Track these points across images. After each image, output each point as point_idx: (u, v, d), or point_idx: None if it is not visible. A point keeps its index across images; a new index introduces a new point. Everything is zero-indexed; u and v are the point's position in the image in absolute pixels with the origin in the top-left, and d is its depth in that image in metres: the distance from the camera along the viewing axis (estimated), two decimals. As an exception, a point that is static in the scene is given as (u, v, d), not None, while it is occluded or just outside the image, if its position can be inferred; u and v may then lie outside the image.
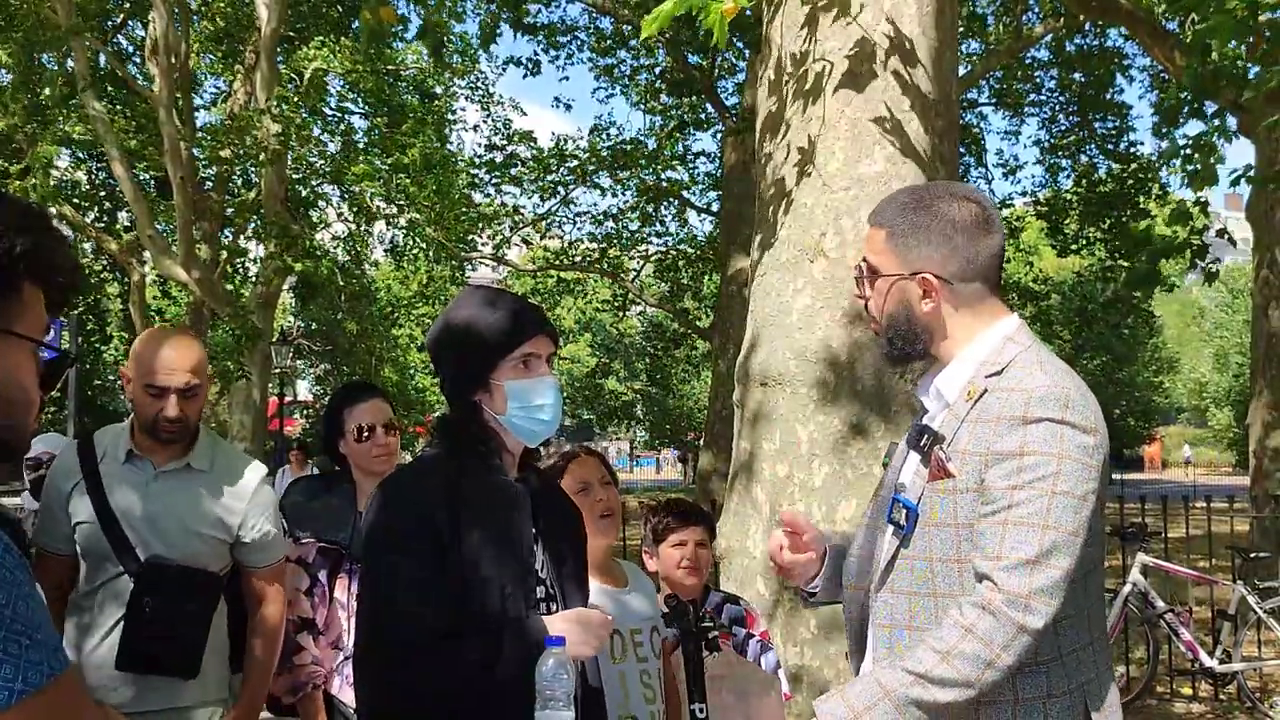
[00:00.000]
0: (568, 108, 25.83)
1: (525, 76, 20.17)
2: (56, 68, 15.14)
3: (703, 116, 19.32)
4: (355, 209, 19.37)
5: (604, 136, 19.01)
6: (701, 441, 20.03)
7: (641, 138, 18.87)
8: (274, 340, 19.45)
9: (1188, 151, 7.07)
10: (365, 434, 3.06)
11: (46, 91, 13.95)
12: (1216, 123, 7.38)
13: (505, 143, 18.65)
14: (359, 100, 18.74)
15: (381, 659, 1.89)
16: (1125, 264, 14.42)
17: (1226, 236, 8.55)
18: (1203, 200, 7.62)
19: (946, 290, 1.86)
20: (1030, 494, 1.68)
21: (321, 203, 20.17)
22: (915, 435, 1.90)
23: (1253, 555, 7.32)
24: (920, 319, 1.88)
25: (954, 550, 1.77)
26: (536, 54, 18.50)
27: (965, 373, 1.85)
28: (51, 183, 11.95)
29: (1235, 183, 7.81)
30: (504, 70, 45.00)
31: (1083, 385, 1.78)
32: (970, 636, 1.65)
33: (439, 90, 19.71)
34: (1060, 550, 1.66)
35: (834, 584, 2.12)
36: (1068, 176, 18.44)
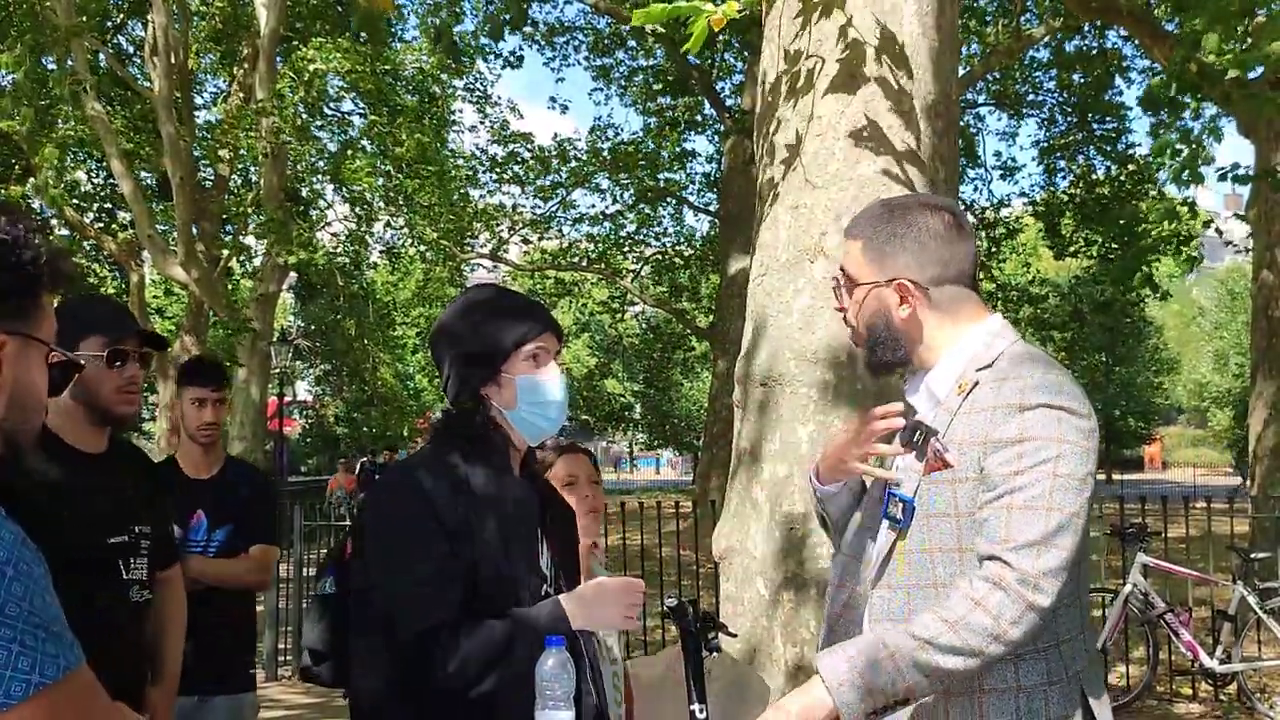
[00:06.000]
0: (564, 109, 25.91)
1: (505, 68, 20.16)
2: (56, 69, 15.10)
3: (699, 117, 19.30)
4: (355, 206, 19.34)
5: (602, 137, 18.99)
6: (701, 442, 20.00)
7: (640, 139, 18.85)
8: (274, 340, 19.44)
9: (1178, 147, 7.07)
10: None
11: (55, 91, 13.87)
12: (1208, 121, 7.38)
13: (504, 143, 18.63)
14: (357, 100, 18.70)
15: (389, 652, 1.87)
16: (1116, 259, 14.40)
17: (1214, 228, 8.56)
18: (1190, 200, 7.60)
19: (923, 296, 1.89)
20: (1032, 478, 1.70)
21: (322, 202, 20.15)
22: (908, 432, 1.92)
23: (1253, 555, 7.32)
24: (898, 325, 1.90)
25: (954, 540, 1.80)
26: (520, 48, 18.51)
27: (955, 369, 1.88)
28: (60, 186, 11.90)
29: (1223, 178, 7.83)
30: (499, 76, 44.76)
31: (1070, 375, 1.82)
32: (980, 609, 1.66)
33: (438, 91, 19.67)
34: (1065, 531, 1.69)
35: (847, 499, 2.06)
36: (1064, 178, 18.43)
